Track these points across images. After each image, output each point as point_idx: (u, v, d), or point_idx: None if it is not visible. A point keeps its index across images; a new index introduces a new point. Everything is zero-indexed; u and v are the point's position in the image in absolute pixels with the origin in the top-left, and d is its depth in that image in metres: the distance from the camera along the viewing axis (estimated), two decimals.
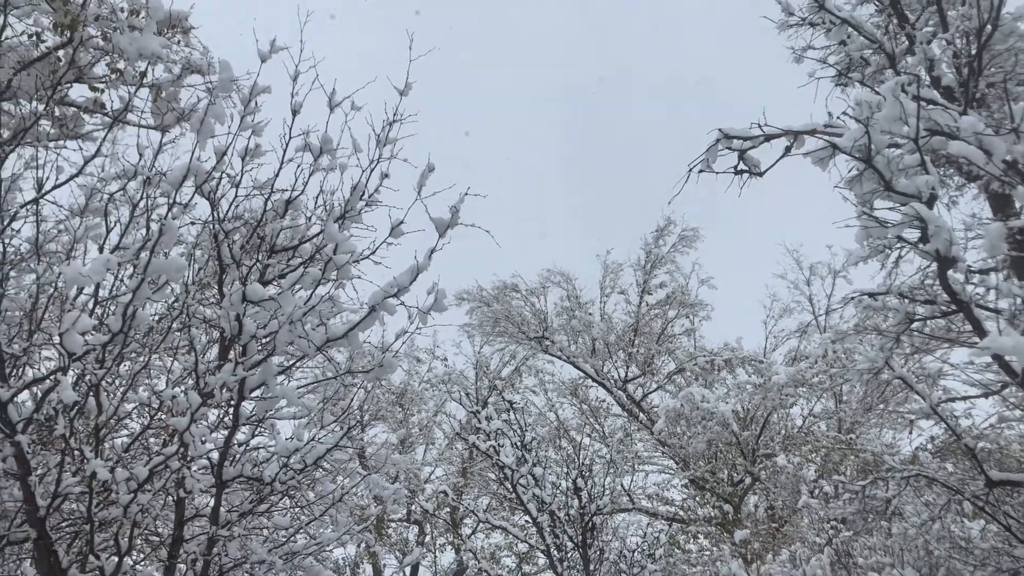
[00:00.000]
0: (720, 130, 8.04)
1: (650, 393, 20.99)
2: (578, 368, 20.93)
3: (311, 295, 6.92)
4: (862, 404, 17.64)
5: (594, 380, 20.79)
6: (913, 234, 6.25)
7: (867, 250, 7.06)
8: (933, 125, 6.30)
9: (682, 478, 18.14)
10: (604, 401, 20.96)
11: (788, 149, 7.87)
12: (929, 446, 10.27)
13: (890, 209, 6.31)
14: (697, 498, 17.75)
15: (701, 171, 8.16)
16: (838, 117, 7.57)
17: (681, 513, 18.15)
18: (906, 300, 7.47)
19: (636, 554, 12.98)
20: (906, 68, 10.11)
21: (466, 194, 6.52)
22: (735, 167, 8.15)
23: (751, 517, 16.15)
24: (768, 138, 8.05)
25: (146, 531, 7.90)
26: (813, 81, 10.91)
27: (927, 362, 12.20)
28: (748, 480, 16.87)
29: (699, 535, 17.41)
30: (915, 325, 7.79)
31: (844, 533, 9.84)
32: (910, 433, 17.17)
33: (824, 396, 18.09)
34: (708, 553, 16.55)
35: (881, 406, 17.49)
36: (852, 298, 7.80)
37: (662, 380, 20.93)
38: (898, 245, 6.68)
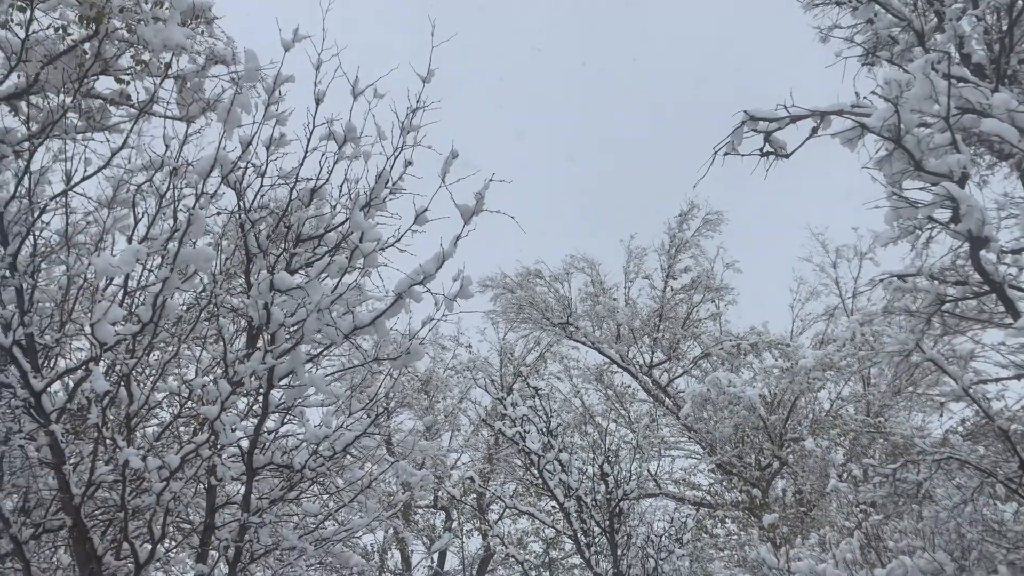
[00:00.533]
0: (745, 112, 7.96)
1: (676, 378, 20.93)
2: (603, 354, 20.90)
3: (338, 283, 6.95)
4: (891, 387, 17.49)
5: (619, 366, 20.76)
6: (944, 214, 6.17)
7: (897, 231, 6.97)
8: (964, 103, 6.20)
9: (709, 463, 18.10)
10: (630, 387, 20.94)
11: (815, 130, 7.77)
12: (960, 428, 10.16)
13: (920, 189, 6.24)
14: (724, 483, 17.71)
15: (727, 154, 8.09)
16: (865, 97, 7.47)
17: (708, 498, 18.11)
18: (937, 281, 7.38)
19: (663, 539, 12.96)
20: (935, 46, 9.94)
21: (491, 180, 6.50)
22: (761, 149, 8.07)
23: (779, 501, 16.08)
24: (794, 119, 7.95)
25: (178, 518, 7.99)
26: (840, 61, 10.76)
27: (958, 344, 12.07)
28: (776, 464, 16.80)
29: (727, 520, 17.38)
30: (946, 306, 7.71)
31: (874, 517, 9.77)
32: (940, 416, 16.99)
33: (852, 379, 17.96)
34: (736, 537, 16.53)
35: (910, 389, 17.33)
36: (881, 280, 7.72)
37: (688, 365, 20.85)
38: (929, 225, 6.59)
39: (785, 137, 8.12)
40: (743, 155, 8.06)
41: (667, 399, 19.98)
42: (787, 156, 8.07)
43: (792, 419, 17.06)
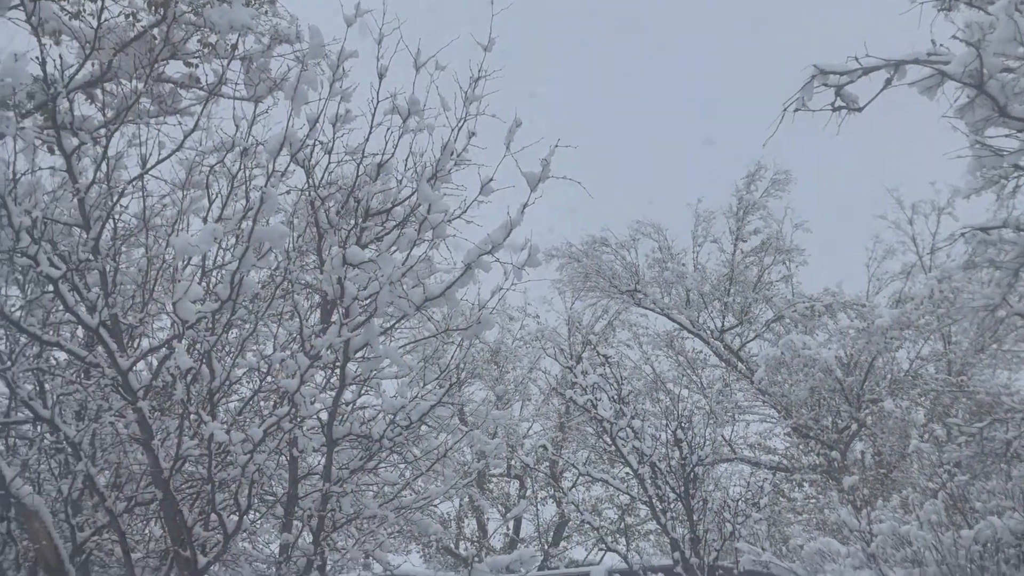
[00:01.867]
0: (815, 66, 7.73)
1: (748, 342, 20.63)
2: (672, 320, 20.71)
3: (407, 256, 7.01)
4: (974, 344, 16.95)
5: (689, 331, 20.55)
6: None
7: (980, 181, 6.72)
8: None
9: (784, 427, 17.86)
10: (701, 352, 20.72)
11: (889, 81, 7.51)
12: None
13: (1005, 136, 5.98)
14: (801, 446, 17.46)
15: (796, 110, 7.88)
16: (942, 44, 7.18)
17: (785, 462, 17.89)
18: None
19: (740, 503, 12.85)
20: None
21: (556, 146, 6.47)
22: (832, 104, 7.84)
23: (858, 463, 15.79)
24: (866, 71, 7.69)
25: (262, 490, 8.22)
26: (915, 7, 10.34)
27: None
28: (853, 426, 16.49)
29: (804, 483, 17.15)
30: None
31: (959, 477, 9.54)
32: None
33: (932, 338, 17.46)
34: (814, 501, 16.31)
35: (995, 346, 16.77)
36: (963, 233, 7.46)
37: (760, 329, 20.53)
38: (1015, 174, 6.33)
39: (857, 90, 7.87)
40: (813, 111, 7.85)
41: (740, 364, 19.74)
42: (859, 110, 7.82)
43: (869, 380, 16.69)
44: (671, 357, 20.91)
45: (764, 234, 21.22)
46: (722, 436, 17.36)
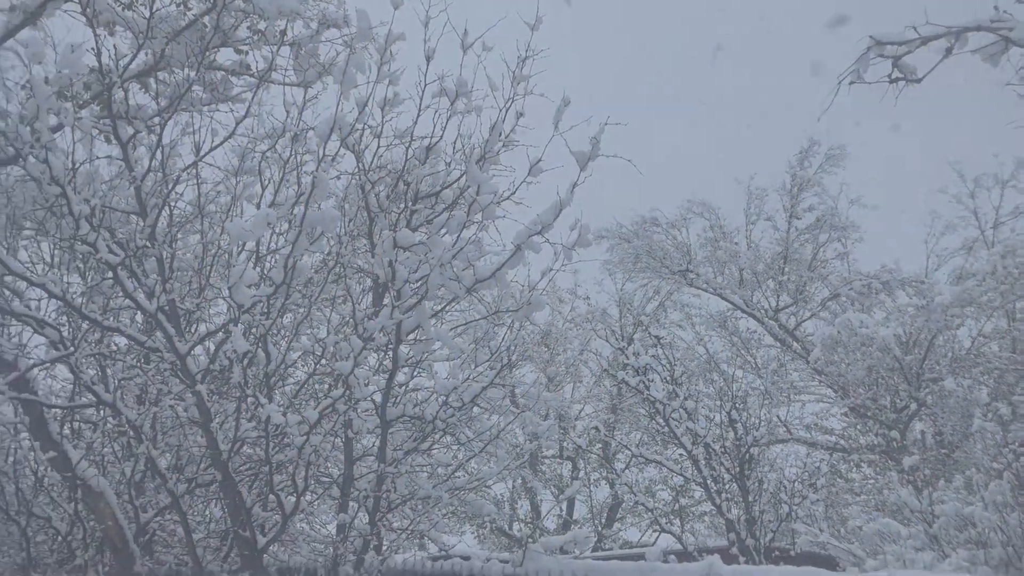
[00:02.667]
0: (872, 36, 7.51)
1: (803, 322, 20.31)
2: (725, 299, 20.47)
3: (457, 238, 7.02)
4: None
5: (743, 311, 20.30)
6: None
7: None
8: None
9: (841, 407, 17.57)
10: (755, 332, 20.45)
11: (949, 50, 7.27)
12: None
13: None
14: (858, 426, 17.16)
15: (852, 83, 7.68)
16: (1005, 11, 6.93)
17: (842, 442, 17.61)
18: None
19: (796, 484, 12.70)
20: None
21: (606, 124, 6.40)
22: (889, 75, 7.62)
23: (918, 443, 15.48)
24: (925, 41, 7.45)
25: (319, 471, 8.33)
26: None
27: None
28: (913, 406, 16.14)
29: (862, 464, 16.86)
30: None
31: None
32: None
33: (995, 315, 16.98)
34: (873, 482, 16.03)
35: None
36: None
37: (815, 308, 20.18)
38: None
39: (915, 61, 7.64)
40: (870, 83, 7.64)
41: (795, 343, 19.44)
42: (918, 81, 7.59)
43: (929, 359, 16.31)
44: (724, 337, 20.67)
45: (819, 211, 20.83)
46: (777, 417, 17.15)
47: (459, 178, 7.80)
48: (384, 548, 8.33)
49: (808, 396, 19.56)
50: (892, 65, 7.70)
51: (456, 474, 8.32)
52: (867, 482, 16.24)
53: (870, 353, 15.88)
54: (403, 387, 8.03)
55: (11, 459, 7.90)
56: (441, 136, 7.81)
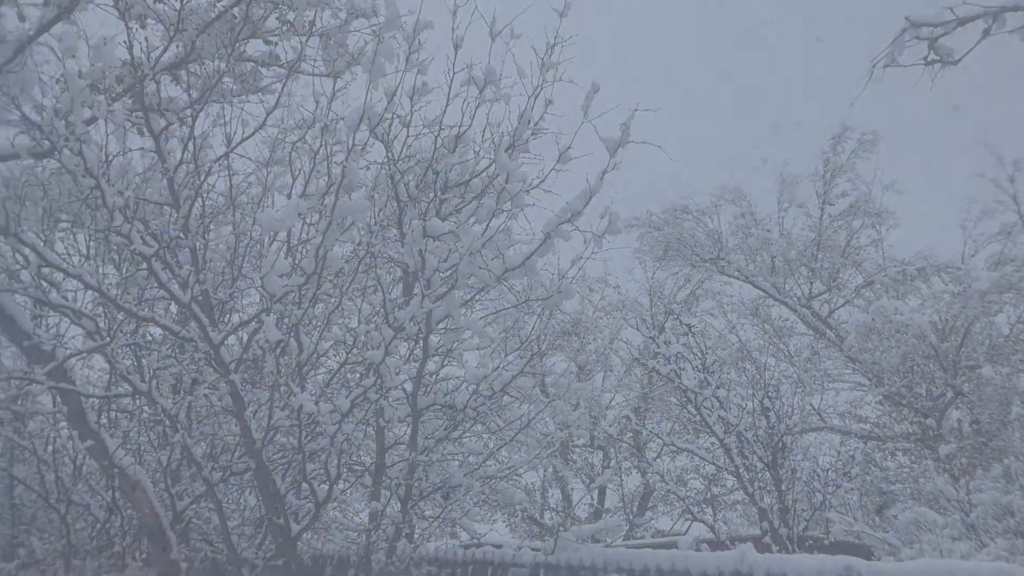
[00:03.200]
0: (907, 19, 7.38)
1: (837, 309, 20.07)
2: (758, 287, 20.29)
3: (487, 227, 7.01)
4: None
5: (775, 299, 20.11)
6: None
7: None
8: None
9: (876, 395, 17.36)
10: (787, 320, 20.26)
11: (987, 31, 7.13)
12: None
13: None
14: (893, 414, 16.95)
15: (886, 66, 7.55)
16: None
17: (876, 430, 17.41)
18: None
19: (830, 473, 12.57)
20: None
21: (636, 110, 6.35)
22: (925, 58, 7.48)
23: (954, 432, 15.26)
24: (962, 22, 7.31)
25: (351, 459, 8.39)
26: None
27: None
28: (949, 394, 15.91)
29: (897, 452, 16.66)
30: None
31: None
32: None
33: None
34: (908, 470, 15.84)
35: None
36: None
37: (849, 295, 19.94)
38: None
39: (952, 43, 7.50)
40: (905, 66, 7.50)
41: (828, 331, 19.23)
42: (955, 63, 7.45)
43: (966, 346, 16.05)
44: (757, 325, 20.49)
45: (852, 197, 20.55)
46: (810, 405, 16.98)
47: (488, 167, 7.79)
48: (416, 536, 8.39)
49: (842, 384, 19.34)
50: (928, 47, 7.56)
51: (487, 462, 8.34)
52: (902, 470, 16.05)
53: (905, 340, 15.66)
54: (434, 376, 8.06)
55: (50, 448, 8.05)
56: (470, 125, 7.80)
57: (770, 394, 12.68)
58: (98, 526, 8.06)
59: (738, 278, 20.49)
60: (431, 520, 8.72)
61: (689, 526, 18.23)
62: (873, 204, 20.22)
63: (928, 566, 6.69)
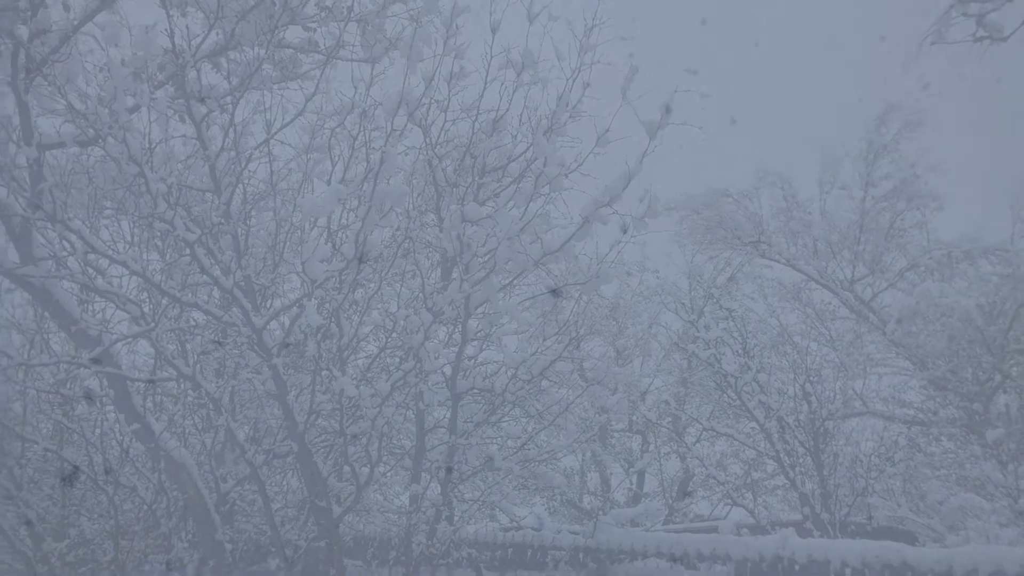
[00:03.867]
0: None
1: (880, 292, 19.72)
2: (799, 271, 20.01)
3: (525, 211, 7.00)
4: None
5: (817, 282, 19.81)
6: None
7: None
8: None
9: (920, 379, 17.06)
10: (829, 304, 19.96)
11: None
12: None
13: None
14: (938, 399, 16.66)
15: (933, 43, 7.38)
16: None
17: (920, 415, 17.12)
18: None
19: (873, 458, 12.41)
20: None
21: (676, 92, 6.28)
22: (973, 34, 7.30)
23: (1002, 417, 14.95)
24: None
25: (391, 443, 8.46)
26: None
27: None
28: (996, 378, 15.59)
29: (942, 437, 16.38)
30: None
31: None
32: None
33: None
34: (953, 455, 15.58)
35: None
36: None
37: (893, 278, 19.57)
38: None
39: (1001, 18, 7.31)
40: (951, 43, 7.33)
41: (871, 315, 18.93)
42: (1004, 39, 7.27)
43: (1015, 329, 15.69)
44: (798, 309, 20.21)
45: (896, 179, 20.13)
46: (853, 389, 16.76)
47: (526, 150, 7.76)
48: (456, 519, 8.44)
49: (885, 369, 19.02)
50: (976, 23, 7.38)
51: (526, 446, 8.36)
52: (948, 456, 15.79)
53: (951, 324, 15.37)
54: (472, 360, 8.08)
55: (98, 431, 8.19)
56: (507, 109, 7.78)
57: (812, 379, 12.54)
58: (145, 507, 8.21)
59: (779, 261, 20.21)
60: (471, 503, 8.77)
61: (729, 511, 18.12)
62: (917, 186, 19.82)
63: (977, 552, 6.59)
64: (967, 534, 9.11)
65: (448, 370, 7.52)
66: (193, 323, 8.78)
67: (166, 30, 6.58)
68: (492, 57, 7.44)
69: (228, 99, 7.27)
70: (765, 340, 17.22)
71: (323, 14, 7.44)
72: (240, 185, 7.42)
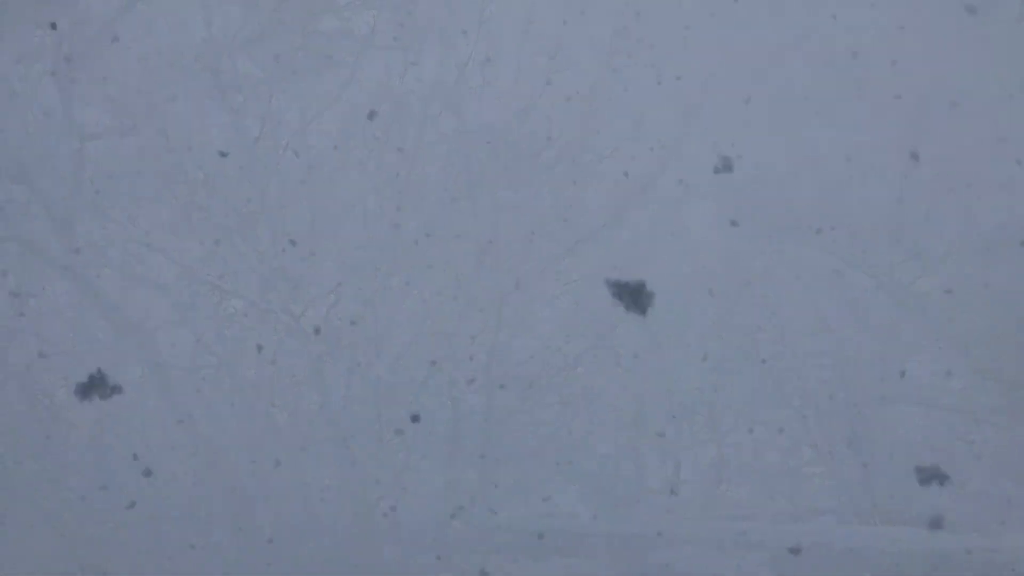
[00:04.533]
0: None
1: (920, 278, 19.33)
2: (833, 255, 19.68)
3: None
4: None
5: (855, 266, 19.50)
6: None
7: None
8: None
9: (963, 367, 16.71)
10: (868, 288, 19.61)
11: None
12: None
13: None
14: (982, 387, 16.33)
15: None
16: None
17: (963, 404, 16.79)
18: None
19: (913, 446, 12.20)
20: None
21: None
22: None
23: None
24: None
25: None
26: None
27: None
28: None
29: (986, 426, 16.06)
30: None
31: None
32: None
33: None
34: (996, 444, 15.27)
35: None
36: None
37: (934, 262, 19.18)
38: None
39: None
40: None
41: (912, 299, 18.57)
42: None
43: None
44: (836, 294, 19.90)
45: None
46: (893, 377, 16.52)
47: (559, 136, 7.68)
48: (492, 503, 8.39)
49: (926, 356, 18.70)
50: None
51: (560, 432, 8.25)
52: (989, 444, 15.49)
53: (996, 310, 15.03)
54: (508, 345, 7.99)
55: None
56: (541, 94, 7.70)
57: (849, 365, 12.35)
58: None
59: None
60: (506, 488, 8.73)
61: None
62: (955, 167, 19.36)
63: None
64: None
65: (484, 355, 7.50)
66: (232, 310, 8.82)
67: (202, 19, 6.61)
68: (526, 43, 7.38)
69: (264, 88, 7.30)
70: (801, 325, 16.93)
71: (357, 2, 7.43)
72: (277, 173, 7.44)
